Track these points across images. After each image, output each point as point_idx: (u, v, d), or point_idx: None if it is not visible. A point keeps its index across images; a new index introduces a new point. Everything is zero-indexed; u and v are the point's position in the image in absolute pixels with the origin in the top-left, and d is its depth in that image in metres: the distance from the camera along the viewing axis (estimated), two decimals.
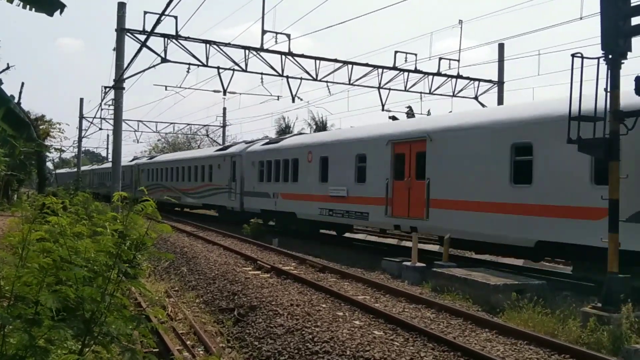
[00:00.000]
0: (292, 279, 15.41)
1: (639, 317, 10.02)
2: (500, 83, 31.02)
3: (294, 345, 9.62)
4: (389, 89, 29.48)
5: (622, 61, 10.96)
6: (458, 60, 29.19)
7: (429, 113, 43.44)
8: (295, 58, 26.28)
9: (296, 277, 15.45)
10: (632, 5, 10.80)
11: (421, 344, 9.51)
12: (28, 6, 5.54)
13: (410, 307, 12.40)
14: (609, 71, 10.96)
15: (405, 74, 28.79)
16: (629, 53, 10.96)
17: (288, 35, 25.41)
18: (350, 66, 27.77)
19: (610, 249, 10.81)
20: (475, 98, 30.91)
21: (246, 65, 25.83)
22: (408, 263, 16.28)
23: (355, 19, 30.70)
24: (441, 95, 30.59)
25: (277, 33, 25.08)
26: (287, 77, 27.32)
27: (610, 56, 10.92)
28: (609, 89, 11.00)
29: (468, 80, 30.43)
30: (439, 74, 29.23)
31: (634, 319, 9.89)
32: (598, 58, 11.10)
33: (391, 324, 10.67)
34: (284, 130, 61.86)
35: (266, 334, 10.47)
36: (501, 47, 30.79)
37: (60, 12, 5.59)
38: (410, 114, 44.75)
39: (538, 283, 13.13)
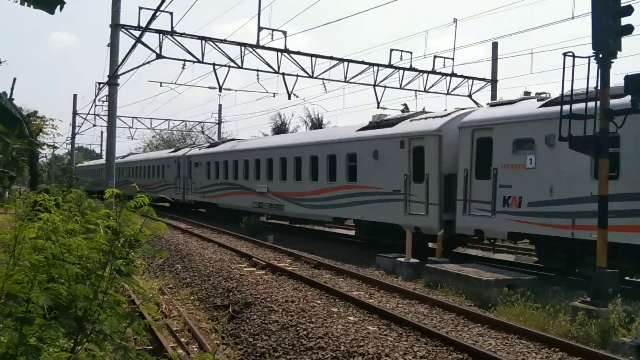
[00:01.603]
0: (287, 275, 15.47)
1: (626, 310, 10.17)
2: (493, 81, 31.10)
3: (289, 341, 9.66)
4: (385, 87, 29.52)
5: (612, 60, 11.09)
6: (452, 59, 29.29)
7: (423, 110, 43.40)
8: (292, 55, 26.19)
9: (291, 273, 15.51)
10: (622, 5, 10.92)
11: (414, 338, 9.60)
12: (26, 3, 5.47)
13: (404, 302, 12.51)
14: (599, 70, 11.08)
15: (401, 71, 28.84)
16: (618, 52, 11.08)
17: (284, 32, 25.41)
18: (346, 64, 27.75)
19: (599, 244, 10.93)
20: (469, 96, 30.99)
21: (242, 62, 25.77)
22: (402, 259, 16.38)
23: (351, 16, 31.04)
24: (436, 93, 30.63)
25: (273, 30, 25.06)
26: (283, 74, 27.13)
27: (600, 55, 11.04)
28: (599, 88, 11.11)
29: (462, 79, 30.48)
30: (433, 72, 29.28)
31: (622, 313, 10.03)
32: (589, 57, 11.24)
33: (385, 319, 10.77)
34: (280, 128, 61.77)
35: (261, 330, 10.47)
36: (495, 45, 30.86)
37: (60, 9, 5.53)
38: (405, 111, 44.75)
39: (529, 278, 13.26)
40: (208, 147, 37.39)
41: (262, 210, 28.52)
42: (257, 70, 27.40)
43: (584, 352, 8.77)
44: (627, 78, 10.71)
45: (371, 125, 21.61)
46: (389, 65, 28.19)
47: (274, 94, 35.75)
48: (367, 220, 20.68)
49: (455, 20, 28.32)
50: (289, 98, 28.42)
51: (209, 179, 34.52)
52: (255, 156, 28.99)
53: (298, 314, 11.07)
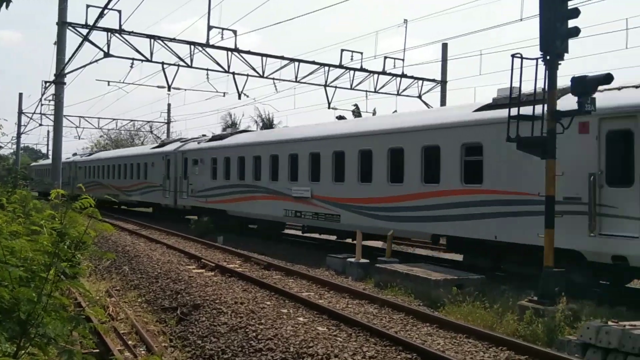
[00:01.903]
0: (236, 276, 15.31)
1: (572, 309, 10.41)
2: (443, 82, 31.58)
3: (238, 343, 9.58)
4: (335, 87, 29.74)
5: (559, 62, 11.35)
6: (403, 60, 29.68)
7: (374, 112, 43.90)
8: (242, 54, 26.31)
9: (241, 275, 15.36)
10: (569, 8, 11.18)
11: (364, 339, 9.61)
12: None
13: (353, 302, 12.51)
14: (547, 71, 11.32)
15: (351, 72, 29.13)
16: (566, 54, 11.35)
17: (234, 32, 25.54)
18: (296, 63, 27.90)
19: (546, 244, 11.17)
20: (419, 97, 31.39)
21: (191, 61, 25.77)
22: (352, 259, 16.42)
23: (302, 16, 30.98)
24: (386, 93, 30.96)
25: (223, 29, 25.14)
26: (234, 73, 27.27)
27: (548, 57, 11.28)
28: (546, 89, 11.36)
29: (412, 80, 30.89)
30: (384, 72, 29.63)
31: (568, 312, 10.27)
32: (537, 59, 11.45)
33: (335, 320, 10.74)
34: (230, 127, 61.32)
35: (209, 332, 10.39)
36: (444, 46, 31.37)
37: (7, 6, 5.33)
38: (356, 112, 45.11)
39: (477, 277, 13.43)
40: (210, 140, 30.39)
41: (302, 221, 21.79)
42: (207, 70, 27.55)
43: (530, 351, 8.90)
44: (574, 80, 10.99)
45: (500, 103, 14.39)
46: (340, 66, 28.40)
47: (224, 93, 35.70)
48: (504, 241, 14.00)
49: (405, 21, 28.76)
50: (239, 98, 28.63)
51: (214, 180, 27.67)
52: (290, 150, 22.19)
53: (247, 315, 10.98)
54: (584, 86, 10.94)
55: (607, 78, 10.82)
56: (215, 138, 30.52)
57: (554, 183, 11.29)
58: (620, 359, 8.72)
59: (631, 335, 8.65)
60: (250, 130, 31.94)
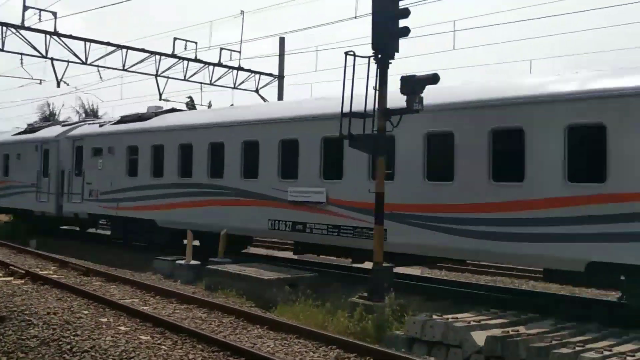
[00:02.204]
0: (50, 284, 14.31)
1: (400, 304, 10.62)
2: (280, 77, 31.50)
3: (49, 357, 8.88)
4: (167, 77, 28.75)
5: (390, 61, 11.56)
6: (239, 52, 29.28)
7: (209, 105, 43.10)
8: (62, 38, 24.67)
9: (55, 282, 14.40)
10: (400, 7, 11.38)
11: (190, 345, 9.26)
12: None
13: (181, 307, 12.15)
14: (378, 70, 11.49)
15: (185, 62, 28.30)
16: (396, 53, 11.55)
17: (54, 13, 24.11)
18: (124, 51, 26.57)
19: (375, 241, 11.31)
20: (256, 91, 31.15)
21: (3, 44, 23.96)
22: (182, 261, 15.87)
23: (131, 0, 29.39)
24: (222, 86, 30.44)
25: (41, 10, 23.83)
26: (52, 59, 25.51)
27: (379, 55, 11.44)
28: (377, 87, 11.47)
29: (249, 73, 30.58)
30: (220, 64, 29.07)
31: (396, 307, 10.47)
32: (369, 57, 11.60)
33: (159, 327, 10.30)
34: (48, 118, 57.20)
35: (17, 347, 9.49)
36: (282, 41, 31.30)
37: None
38: (190, 104, 44.04)
39: (310, 275, 13.54)
40: (120, 122, 22.44)
41: (306, 237, 14.90)
42: (21, 54, 25.68)
43: (359, 348, 8.94)
44: (403, 79, 11.18)
45: None
46: (172, 55, 27.54)
47: (41, 81, 33.25)
48: None
49: (242, 12, 28.39)
50: (59, 86, 26.85)
51: (132, 177, 20.27)
52: (284, 134, 15.55)
53: (61, 326, 10.23)
54: (412, 85, 11.16)
55: (434, 78, 11.11)
56: (128, 119, 22.38)
57: (383, 180, 11.43)
58: (443, 352, 9.00)
59: (453, 328, 8.98)
60: (182, 110, 24.85)
